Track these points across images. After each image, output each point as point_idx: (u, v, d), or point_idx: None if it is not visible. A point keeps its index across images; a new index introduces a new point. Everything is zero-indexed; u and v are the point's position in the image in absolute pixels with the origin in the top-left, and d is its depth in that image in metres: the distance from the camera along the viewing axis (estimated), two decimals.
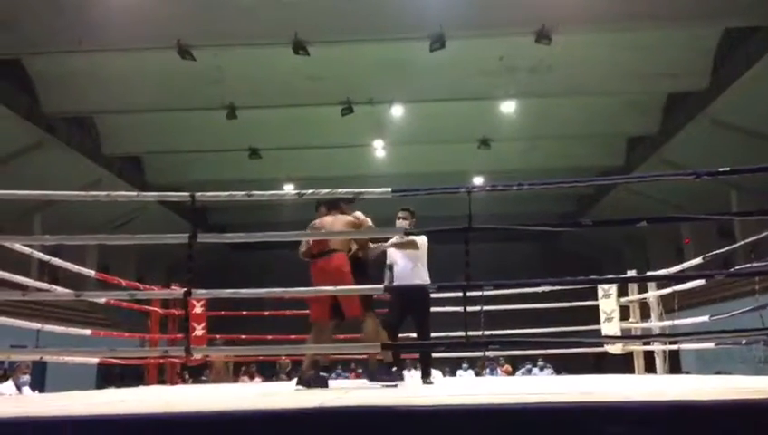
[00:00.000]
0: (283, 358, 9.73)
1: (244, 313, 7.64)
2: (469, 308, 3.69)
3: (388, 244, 5.08)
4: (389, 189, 3.95)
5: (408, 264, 5.09)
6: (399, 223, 5.18)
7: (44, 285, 4.90)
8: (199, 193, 3.67)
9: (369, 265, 4.98)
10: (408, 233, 4.93)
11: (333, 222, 4.79)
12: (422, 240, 5.13)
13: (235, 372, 11.74)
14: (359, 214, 4.91)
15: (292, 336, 8.47)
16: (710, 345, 5.82)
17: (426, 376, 5.05)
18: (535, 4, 12.78)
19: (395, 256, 5.19)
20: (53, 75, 15.12)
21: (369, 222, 4.86)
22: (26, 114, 15.30)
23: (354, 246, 4.87)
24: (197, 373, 11.01)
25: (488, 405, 2.28)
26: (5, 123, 14.70)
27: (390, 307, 5.18)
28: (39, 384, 9.03)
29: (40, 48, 13.60)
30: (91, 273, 5.98)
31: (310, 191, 4.13)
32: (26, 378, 6.45)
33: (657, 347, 6.35)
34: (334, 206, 4.89)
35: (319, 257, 4.68)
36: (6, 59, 14.12)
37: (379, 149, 19.49)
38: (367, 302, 4.70)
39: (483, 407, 2.24)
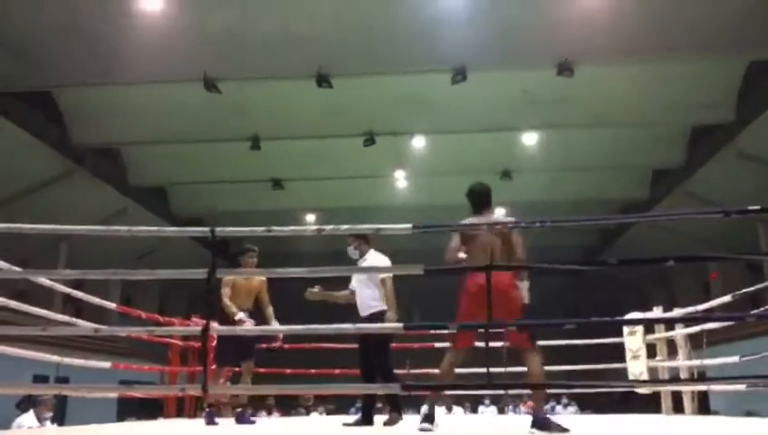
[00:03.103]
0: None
1: (264, 346, 7.58)
2: (492, 344, 3.63)
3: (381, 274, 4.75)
4: (410, 226, 3.86)
5: (364, 288, 4.76)
6: (349, 249, 4.94)
7: (65, 319, 4.95)
8: (219, 229, 3.67)
9: None
10: (362, 253, 4.77)
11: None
12: (383, 263, 4.82)
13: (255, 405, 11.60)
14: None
15: (313, 371, 8.40)
16: (741, 387, 5.64)
17: (392, 420, 4.70)
18: (557, 36, 12.78)
19: (353, 280, 4.97)
20: (82, 107, 15.44)
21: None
22: (56, 145, 15.62)
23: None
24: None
25: None
26: (36, 153, 15.03)
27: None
28: (59, 416, 9.04)
29: (69, 81, 13.91)
30: (113, 306, 6.02)
31: (330, 227, 4.12)
32: (49, 414, 6.59)
33: (685, 387, 6.18)
34: (479, 201, 4.30)
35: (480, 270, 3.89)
36: (38, 91, 14.49)
37: (400, 179, 19.49)
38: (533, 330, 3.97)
39: None
